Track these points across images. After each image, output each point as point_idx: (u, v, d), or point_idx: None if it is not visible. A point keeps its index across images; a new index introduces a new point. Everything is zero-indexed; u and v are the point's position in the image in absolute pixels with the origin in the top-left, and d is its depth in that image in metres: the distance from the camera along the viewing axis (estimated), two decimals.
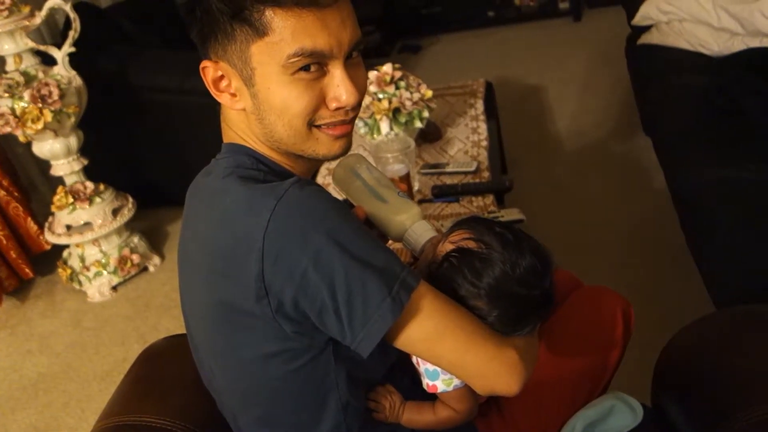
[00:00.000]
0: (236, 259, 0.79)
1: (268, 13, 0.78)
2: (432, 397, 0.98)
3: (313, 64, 0.81)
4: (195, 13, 0.83)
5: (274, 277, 0.77)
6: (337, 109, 0.85)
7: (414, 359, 0.96)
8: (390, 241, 1.05)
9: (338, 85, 0.84)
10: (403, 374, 0.99)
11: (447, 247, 0.91)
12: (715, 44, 2.33)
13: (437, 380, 0.94)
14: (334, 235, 0.77)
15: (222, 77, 0.86)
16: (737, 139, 1.82)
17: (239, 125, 0.90)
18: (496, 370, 0.83)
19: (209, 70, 0.86)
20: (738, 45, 2.26)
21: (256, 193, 0.80)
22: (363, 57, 0.89)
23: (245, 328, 0.83)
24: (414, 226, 0.99)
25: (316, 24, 0.79)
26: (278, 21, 0.79)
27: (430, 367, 0.93)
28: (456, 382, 0.94)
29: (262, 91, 0.83)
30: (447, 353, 0.83)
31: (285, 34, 0.79)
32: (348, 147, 0.91)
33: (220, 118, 0.94)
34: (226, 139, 0.93)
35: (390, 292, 0.77)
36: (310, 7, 0.78)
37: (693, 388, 1.04)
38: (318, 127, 0.86)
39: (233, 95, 0.87)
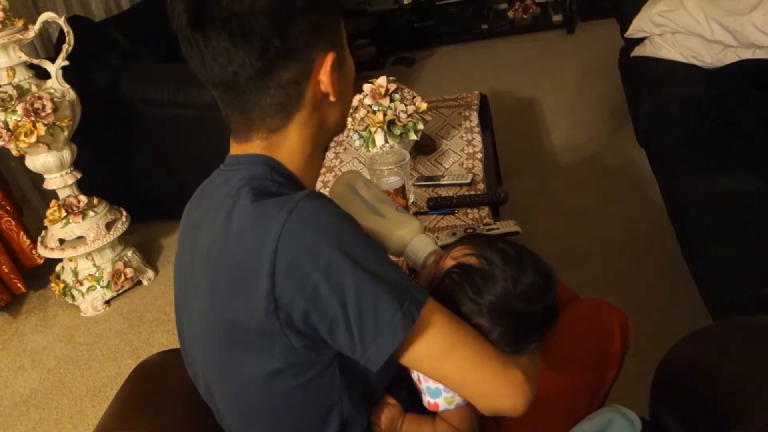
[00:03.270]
0: (245, 274, 0.78)
1: None
2: (431, 412, 0.97)
3: None
4: (309, 13, 0.81)
5: (285, 291, 0.76)
6: None
7: (415, 376, 0.95)
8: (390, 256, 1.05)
9: None
10: (400, 387, 0.98)
11: (449, 262, 0.91)
12: (708, 56, 2.34)
13: (439, 398, 0.93)
14: (346, 249, 0.76)
15: (333, 65, 0.86)
16: (731, 150, 1.82)
17: (301, 127, 0.87)
18: (501, 389, 0.83)
19: (330, 57, 0.85)
20: (731, 57, 2.27)
21: (267, 206, 0.79)
22: (357, 70, 0.94)
23: (250, 345, 0.81)
24: (414, 240, 1.00)
25: None
26: None
27: (432, 384, 0.92)
28: (458, 400, 0.93)
29: (350, 66, 0.91)
30: (453, 371, 0.83)
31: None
32: None
33: (270, 123, 0.89)
34: (247, 150, 0.88)
35: (401, 307, 0.77)
36: None
37: (691, 400, 1.03)
38: None
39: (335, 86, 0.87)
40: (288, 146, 0.87)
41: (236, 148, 0.90)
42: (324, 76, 0.84)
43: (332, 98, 0.87)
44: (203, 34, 0.78)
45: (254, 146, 0.88)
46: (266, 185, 0.84)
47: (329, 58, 0.84)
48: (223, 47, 0.78)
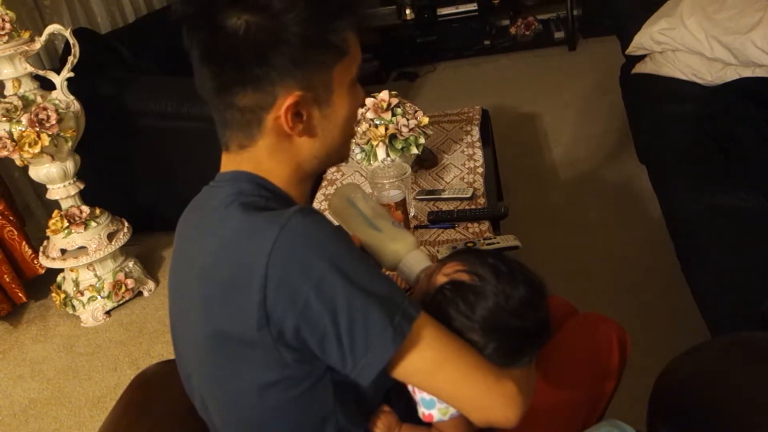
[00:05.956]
0: (237, 288, 0.78)
1: (348, 34, 0.85)
2: (427, 424, 0.97)
3: None
4: (266, 51, 0.80)
5: (276, 305, 0.76)
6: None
7: (410, 388, 0.95)
8: (384, 271, 1.05)
9: (360, 89, 0.93)
10: (398, 398, 0.98)
11: (440, 279, 0.91)
12: (708, 74, 2.35)
13: (433, 409, 0.93)
14: (337, 263, 0.77)
15: (296, 110, 0.85)
16: (730, 167, 1.83)
17: (276, 152, 0.88)
18: (494, 401, 0.83)
19: (292, 106, 0.83)
20: (731, 75, 2.29)
21: (259, 220, 0.80)
22: (361, 84, 0.94)
23: (243, 358, 0.82)
24: (408, 255, 1.00)
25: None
26: (352, 37, 0.86)
27: (426, 396, 0.92)
28: (452, 411, 0.93)
29: (338, 109, 0.88)
30: (445, 384, 0.83)
31: (354, 49, 0.87)
32: None
33: (234, 149, 0.91)
34: (232, 166, 0.91)
35: (392, 321, 0.77)
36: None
37: (689, 416, 1.03)
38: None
39: (304, 123, 0.86)
40: (266, 164, 0.89)
41: (224, 162, 0.92)
42: (281, 113, 0.84)
43: (298, 136, 0.87)
44: (191, 42, 0.84)
45: (237, 161, 0.90)
46: (255, 200, 0.85)
47: (290, 99, 0.83)
48: (196, 57, 0.83)
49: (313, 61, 0.83)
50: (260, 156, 0.88)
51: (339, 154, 0.95)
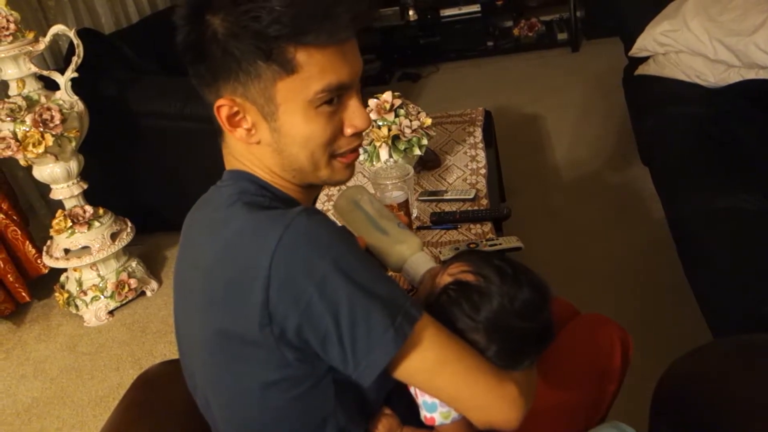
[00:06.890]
0: (241, 287, 0.79)
1: (297, 52, 0.80)
2: (429, 426, 0.97)
3: (335, 97, 0.85)
4: (210, 52, 0.82)
5: (279, 305, 0.77)
6: (353, 135, 0.89)
7: (412, 390, 0.95)
8: (389, 272, 1.06)
9: (354, 113, 0.88)
10: (399, 400, 0.98)
11: (445, 279, 0.91)
12: (712, 76, 2.35)
13: (435, 413, 0.93)
14: (340, 264, 0.77)
15: (237, 113, 0.86)
16: (733, 169, 1.83)
17: (244, 154, 0.90)
18: (495, 403, 0.83)
19: (225, 108, 0.85)
20: (734, 76, 2.29)
21: (263, 219, 0.81)
22: (364, 85, 0.92)
23: (246, 357, 0.82)
24: (413, 256, 1.01)
25: (338, 58, 0.83)
26: (306, 58, 0.81)
27: (429, 399, 0.92)
28: (454, 415, 0.93)
29: (286, 125, 0.85)
30: (446, 385, 0.83)
31: (313, 71, 0.81)
32: (353, 173, 0.95)
33: (222, 146, 0.94)
34: (228, 166, 0.93)
35: (393, 322, 0.77)
36: (336, 44, 0.81)
37: (691, 417, 1.03)
38: (335, 157, 0.90)
39: (248, 129, 0.87)
40: (254, 168, 0.90)
41: (228, 165, 0.94)
42: (216, 114, 0.87)
43: (244, 141, 0.88)
44: None
45: (226, 156, 0.93)
46: (258, 200, 0.86)
47: (220, 101, 0.85)
48: None
49: (240, 71, 0.82)
50: (239, 155, 0.91)
51: (317, 175, 0.90)
